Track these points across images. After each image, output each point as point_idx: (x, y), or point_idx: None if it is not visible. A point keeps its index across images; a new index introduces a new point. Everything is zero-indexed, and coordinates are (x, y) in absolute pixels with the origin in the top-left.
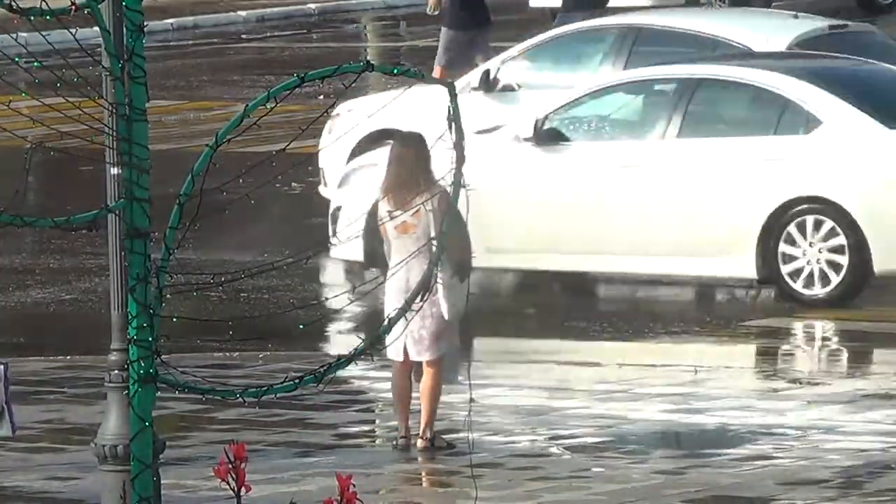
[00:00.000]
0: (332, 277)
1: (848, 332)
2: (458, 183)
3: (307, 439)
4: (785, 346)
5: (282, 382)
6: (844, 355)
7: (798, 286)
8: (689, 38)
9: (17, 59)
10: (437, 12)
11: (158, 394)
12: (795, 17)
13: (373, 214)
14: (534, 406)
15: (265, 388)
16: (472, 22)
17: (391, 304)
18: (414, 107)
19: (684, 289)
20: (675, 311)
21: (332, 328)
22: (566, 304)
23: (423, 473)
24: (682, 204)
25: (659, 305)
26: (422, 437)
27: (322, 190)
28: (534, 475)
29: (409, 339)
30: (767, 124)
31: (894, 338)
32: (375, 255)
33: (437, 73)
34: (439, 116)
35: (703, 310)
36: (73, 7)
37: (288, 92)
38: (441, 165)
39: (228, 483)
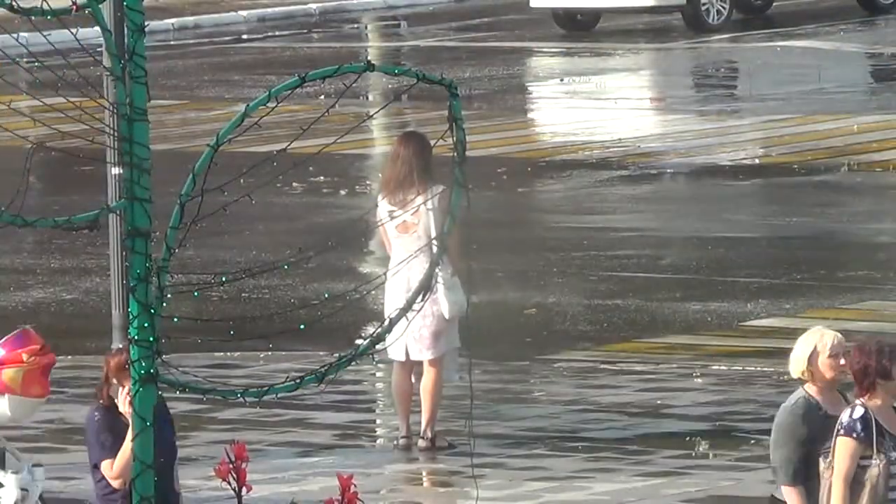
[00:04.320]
0: (333, 277)
1: (847, 331)
2: (458, 182)
3: (308, 439)
4: (785, 346)
5: (283, 382)
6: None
7: None
8: None
9: (17, 59)
10: None
11: (159, 393)
12: None
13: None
14: (534, 406)
15: (266, 388)
16: None
17: (392, 304)
18: None
19: (685, 289)
20: (675, 310)
21: (333, 328)
22: (565, 304)
23: (424, 473)
24: None
25: (660, 305)
26: (423, 437)
27: None
28: (534, 475)
29: (409, 339)
30: None
31: (894, 336)
32: None
33: None
34: None
35: (704, 310)
36: (74, 7)
37: (289, 92)
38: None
39: (229, 483)
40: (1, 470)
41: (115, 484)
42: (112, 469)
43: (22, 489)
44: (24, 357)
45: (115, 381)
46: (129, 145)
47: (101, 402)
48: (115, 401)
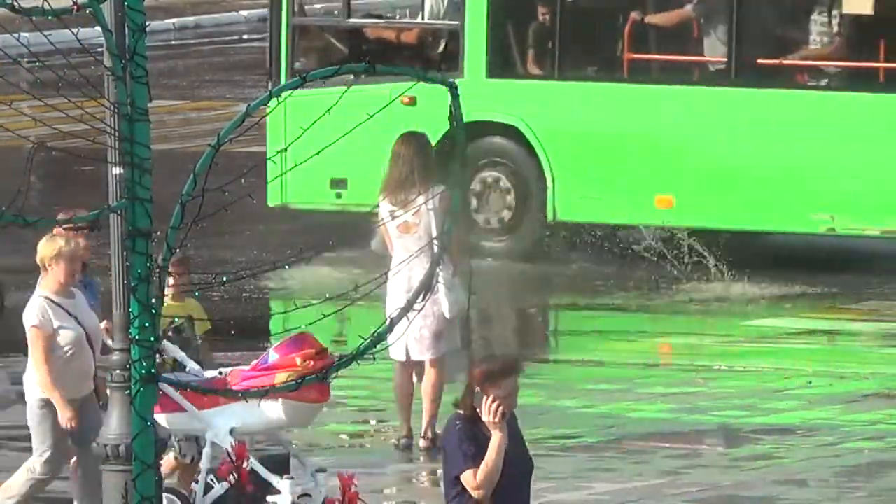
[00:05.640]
0: (334, 277)
1: (848, 331)
2: (458, 182)
3: (309, 439)
4: (785, 346)
5: (284, 382)
6: (845, 355)
7: None
8: None
9: (18, 59)
10: None
11: (160, 393)
12: None
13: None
14: (535, 405)
15: (267, 388)
16: None
17: (393, 304)
18: None
19: (686, 289)
20: (676, 310)
21: (334, 328)
22: (566, 304)
23: (425, 473)
24: None
25: (660, 305)
26: (424, 437)
27: None
28: (534, 475)
29: (410, 339)
30: None
31: (894, 337)
32: None
33: None
34: None
35: (704, 310)
36: (75, 7)
37: (290, 92)
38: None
39: (230, 482)
40: (276, 476)
41: (476, 495)
42: (475, 479)
43: (303, 494)
44: (298, 361)
45: (478, 389)
46: (130, 145)
47: (462, 411)
48: (477, 410)
